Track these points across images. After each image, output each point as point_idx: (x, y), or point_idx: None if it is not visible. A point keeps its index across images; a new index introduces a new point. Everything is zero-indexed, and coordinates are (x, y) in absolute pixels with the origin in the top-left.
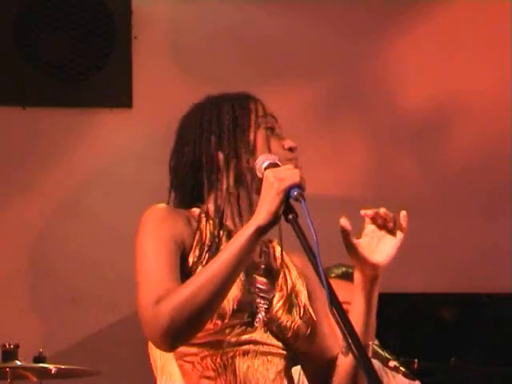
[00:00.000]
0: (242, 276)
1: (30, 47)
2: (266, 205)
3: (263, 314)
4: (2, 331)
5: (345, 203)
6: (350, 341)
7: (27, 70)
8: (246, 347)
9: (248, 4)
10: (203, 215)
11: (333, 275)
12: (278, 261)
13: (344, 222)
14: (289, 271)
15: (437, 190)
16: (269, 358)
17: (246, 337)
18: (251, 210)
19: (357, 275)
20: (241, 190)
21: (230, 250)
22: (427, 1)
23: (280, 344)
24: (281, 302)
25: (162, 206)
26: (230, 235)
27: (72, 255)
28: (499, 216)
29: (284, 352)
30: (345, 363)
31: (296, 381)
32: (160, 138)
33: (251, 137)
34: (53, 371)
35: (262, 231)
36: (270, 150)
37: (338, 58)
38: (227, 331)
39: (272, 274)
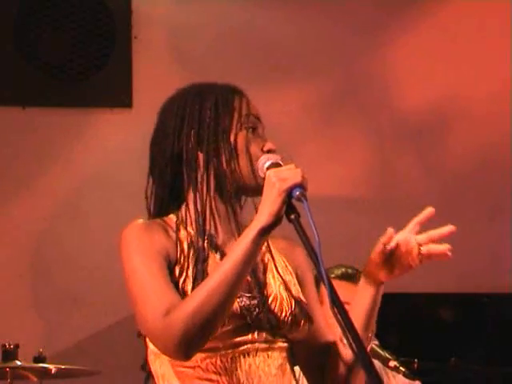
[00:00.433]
0: None
1: (29, 47)
2: (268, 205)
3: (256, 313)
4: (1, 331)
5: (345, 203)
6: (351, 341)
7: (27, 69)
8: (244, 348)
9: (248, 3)
10: (181, 225)
11: (332, 276)
12: (264, 253)
13: (389, 233)
14: (275, 263)
15: (437, 189)
16: (269, 353)
17: (242, 338)
18: (233, 212)
19: (370, 274)
20: (221, 193)
21: (236, 254)
22: (428, 1)
23: (278, 338)
24: (271, 298)
25: (140, 222)
26: (212, 241)
27: (72, 255)
28: (499, 216)
29: (283, 345)
30: (346, 354)
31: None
32: None
33: (232, 138)
34: (53, 371)
35: (265, 232)
36: (249, 152)
37: (339, 57)
38: (224, 336)
39: (260, 270)
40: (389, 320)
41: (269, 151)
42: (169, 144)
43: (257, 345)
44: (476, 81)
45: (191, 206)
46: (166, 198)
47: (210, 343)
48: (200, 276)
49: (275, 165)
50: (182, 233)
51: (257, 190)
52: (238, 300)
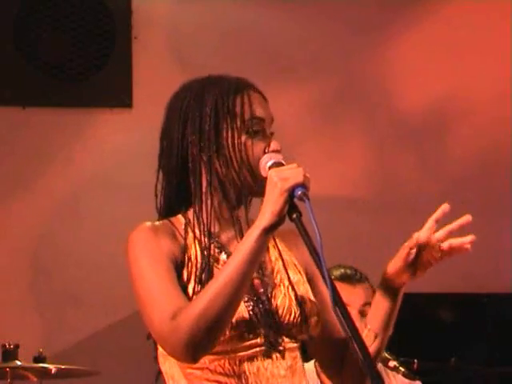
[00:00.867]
0: None
1: (30, 47)
2: (270, 205)
3: (264, 316)
4: (1, 331)
5: (346, 203)
6: (353, 341)
7: (27, 69)
8: (252, 351)
9: (248, 3)
10: (188, 228)
11: (331, 277)
12: (272, 253)
13: (415, 238)
14: (283, 263)
15: (437, 189)
16: (278, 355)
17: (251, 342)
18: (237, 215)
19: (391, 278)
20: (225, 196)
21: (240, 254)
22: (428, 2)
23: (287, 339)
24: (280, 300)
25: (147, 224)
26: (219, 243)
27: (72, 255)
28: (499, 217)
29: (292, 345)
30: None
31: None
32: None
33: (234, 144)
34: (53, 371)
35: (268, 232)
36: (252, 157)
37: (341, 56)
38: (232, 340)
39: (268, 271)
40: None
41: (273, 152)
42: (174, 148)
43: (265, 348)
44: (477, 82)
45: (197, 210)
46: (173, 197)
47: (219, 347)
48: (207, 279)
49: (277, 164)
50: (190, 236)
51: (260, 191)
52: (246, 304)
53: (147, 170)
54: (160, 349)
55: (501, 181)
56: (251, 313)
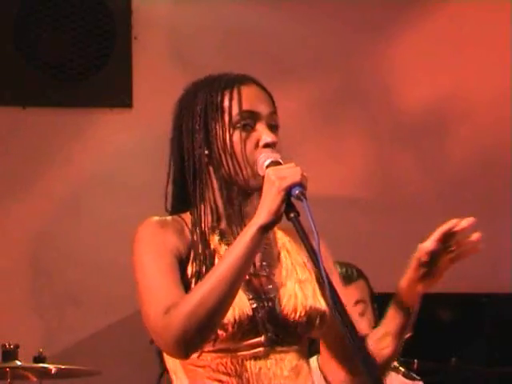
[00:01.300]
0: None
1: (29, 47)
2: (267, 204)
3: (268, 315)
4: (1, 331)
5: (346, 202)
6: (351, 341)
7: (27, 69)
8: (255, 350)
9: (248, 3)
10: (196, 227)
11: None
12: (281, 251)
13: (423, 248)
14: (291, 261)
15: (437, 189)
16: (281, 355)
17: (254, 340)
18: (239, 212)
19: (406, 291)
20: (225, 194)
21: (235, 252)
22: (429, 2)
23: (291, 339)
24: (286, 298)
25: (155, 219)
26: (224, 238)
27: (72, 255)
28: (499, 217)
29: (296, 346)
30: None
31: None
32: (160, 138)
33: (224, 141)
34: (53, 371)
35: (264, 230)
36: (244, 152)
37: (341, 56)
38: (235, 338)
39: (275, 269)
40: None
41: (266, 145)
42: (174, 148)
43: (268, 347)
44: (478, 82)
45: (201, 208)
46: (179, 195)
47: (222, 344)
48: None
49: (275, 163)
50: (197, 232)
51: (257, 189)
52: (250, 302)
53: (147, 170)
54: None
55: (501, 181)
56: (256, 311)
